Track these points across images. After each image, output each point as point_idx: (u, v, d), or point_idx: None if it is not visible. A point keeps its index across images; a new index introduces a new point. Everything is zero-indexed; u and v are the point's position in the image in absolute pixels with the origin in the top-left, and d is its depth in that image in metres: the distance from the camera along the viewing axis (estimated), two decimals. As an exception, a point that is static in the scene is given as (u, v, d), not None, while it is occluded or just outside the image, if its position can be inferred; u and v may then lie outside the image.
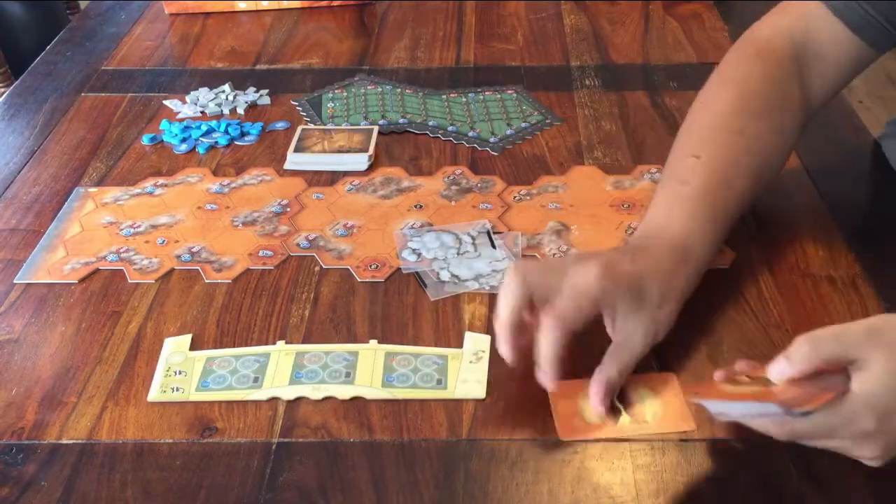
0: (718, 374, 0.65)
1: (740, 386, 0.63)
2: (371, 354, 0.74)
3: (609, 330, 0.70)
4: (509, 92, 1.13)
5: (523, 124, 1.06)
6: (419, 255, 0.85)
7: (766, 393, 0.60)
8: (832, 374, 0.58)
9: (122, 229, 0.90)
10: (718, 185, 0.77)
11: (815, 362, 0.58)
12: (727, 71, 0.87)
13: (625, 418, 0.68)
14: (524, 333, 0.69)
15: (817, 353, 0.58)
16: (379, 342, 0.76)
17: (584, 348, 0.68)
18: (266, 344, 0.76)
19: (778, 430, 0.61)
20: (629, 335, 0.69)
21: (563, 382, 0.70)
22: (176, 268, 0.85)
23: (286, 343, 0.76)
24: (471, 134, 1.04)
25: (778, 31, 0.87)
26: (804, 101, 0.85)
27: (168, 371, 0.74)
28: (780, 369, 0.60)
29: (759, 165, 0.80)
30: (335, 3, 1.36)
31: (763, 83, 0.84)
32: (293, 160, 1.00)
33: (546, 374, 0.67)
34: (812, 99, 0.85)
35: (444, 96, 1.12)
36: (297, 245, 0.87)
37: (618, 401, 0.69)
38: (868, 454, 0.60)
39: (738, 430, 0.67)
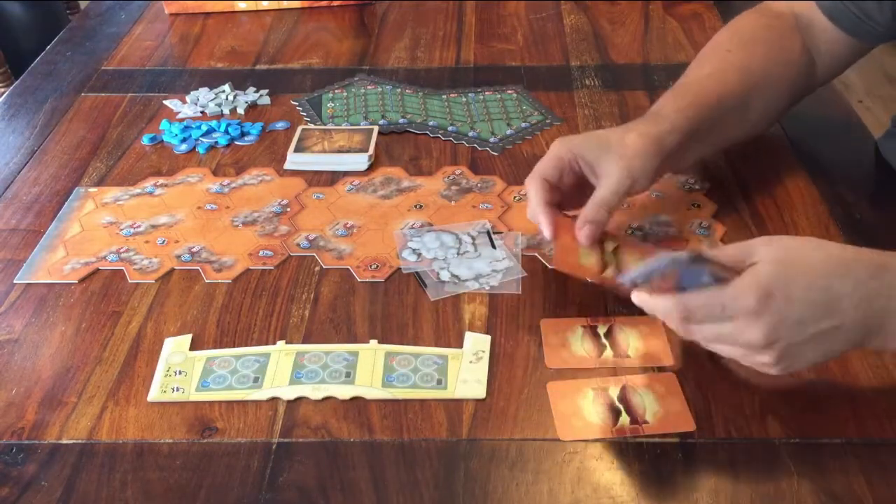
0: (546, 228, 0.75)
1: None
2: (371, 354, 0.74)
3: (592, 181, 0.78)
4: (509, 92, 1.13)
5: (523, 124, 1.06)
6: (419, 255, 0.85)
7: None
8: None
9: (122, 229, 0.90)
10: (697, 80, 0.85)
11: (721, 257, 0.65)
12: (728, 24, 0.93)
13: (624, 418, 0.68)
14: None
15: (723, 250, 0.66)
16: (379, 342, 0.76)
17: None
18: (266, 344, 0.76)
19: (674, 306, 0.64)
20: (604, 174, 0.76)
21: (561, 382, 0.70)
22: (176, 268, 0.85)
23: (286, 343, 0.76)
24: (471, 134, 1.04)
25: (778, 7, 0.92)
26: (807, 54, 0.88)
27: (168, 371, 0.74)
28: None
29: (747, 83, 0.85)
30: (335, 3, 1.36)
31: (761, 25, 0.90)
32: (293, 160, 1.00)
33: (542, 223, 0.76)
34: (816, 64, 0.89)
35: (444, 96, 1.12)
36: (298, 245, 0.87)
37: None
38: (754, 338, 0.62)
39: (738, 431, 0.67)
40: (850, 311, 0.62)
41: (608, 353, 0.73)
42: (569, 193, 0.79)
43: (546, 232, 0.76)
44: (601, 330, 0.75)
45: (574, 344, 0.74)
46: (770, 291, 0.61)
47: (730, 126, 0.86)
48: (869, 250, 0.65)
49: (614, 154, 0.77)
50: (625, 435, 0.67)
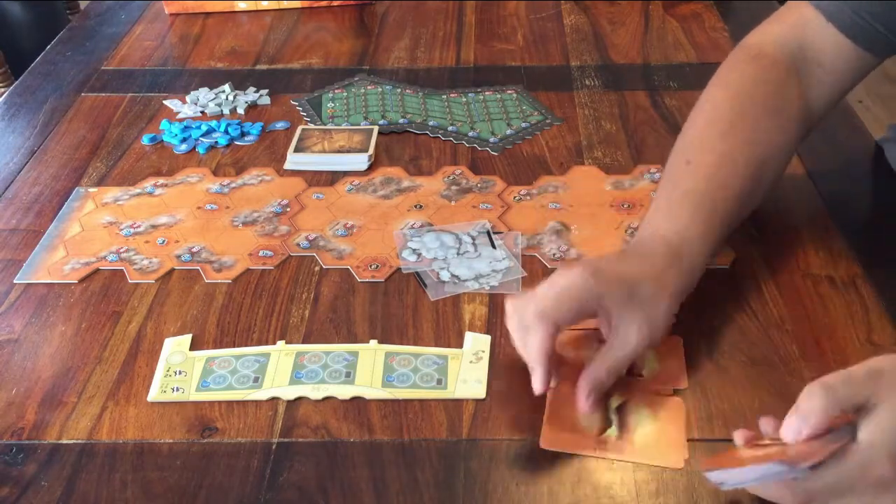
0: (739, 435, 0.61)
1: (757, 450, 0.59)
2: (371, 354, 0.74)
3: (604, 332, 0.69)
4: (509, 92, 1.13)
5: (523, 124, 1.06)
6: (419, 255, 0.85)
7: (773, 454, 0.57)
8: (836, 428, 0.56)
9: (122, 229, 0.90)
10: (709, 185, 0.76)
11: (829, 412, 0.55)
12: (721, 76, 0.85)
13: (612, 431, 0.67)
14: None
15: (831, 401, 0.55)
16: (379, 342, 0.76)
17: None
18: (266, 344, 0.76)
19: (791, 494, 0.57)
20: (621, 333, 0.67)
21: (560, 390, 0.69)
22: (176, 268, 0.85)
23: (286, 343, 0.76)
24: (471, 134, 1.04)
25: (772, 37, 0.85)
26: (803, 104, 0.83)
27: (168, 371, 0.74)
28: (793, 427, 0.57)
29: (756, 162, 0.79)
30: (335, 3, 1.36)
31: (757, 84, 0.83)
32: (293, 160, 1.00)
33: (535, 374, 0.66)
34: (813, 104, 0.84)
35: (444, 96, 1.12)
36: (297, 245, 0.87)
37: (614, 412, 0.68)
38: None
39: (737, 430, 0.67)
40: None
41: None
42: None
43: (538, 388, 0.66)
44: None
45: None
46: None
47: (746, 211, 0.80)
48: None
49: (640, 316, 0.67)
50: (605, 450, 0.65)
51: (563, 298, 0.66)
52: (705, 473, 0.61)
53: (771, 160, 0.80)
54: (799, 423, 0.56)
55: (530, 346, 0.66)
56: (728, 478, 0.59)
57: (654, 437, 0.66)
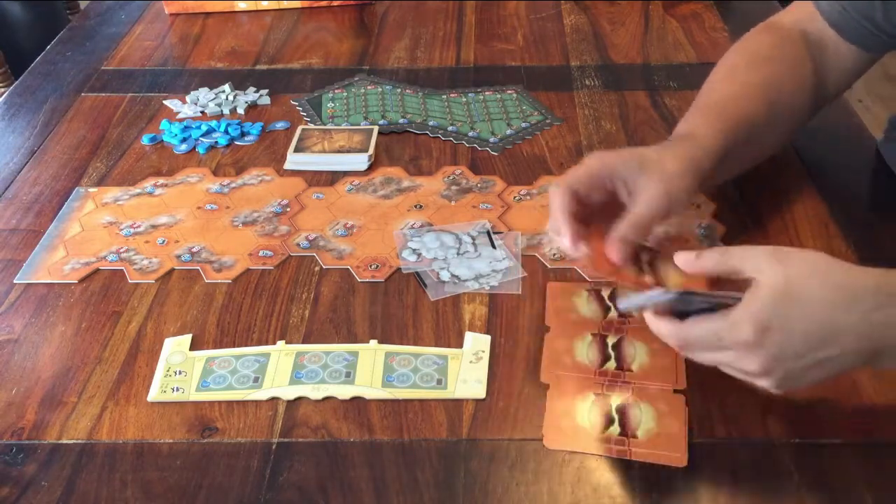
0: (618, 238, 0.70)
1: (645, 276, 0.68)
2: (371, 354, 0.74)
3: (626, 201, 0.73)
4: (509, 92, 1.13)
5: (523, 124, 1.06)
6: (419, 255, 0.85)
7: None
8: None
9: (122, 229, 0.90)
10: (725, 102, 0.82)
11: (719, 266, 0.63)
12: (738, 44, 0.91)
13: (615, 429, 0.67)
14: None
15: (724, 258, 0.64)
16: (379, 342, 0.76)
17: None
18: (266, 344, 0.76)
19: (673, 337, 0.64)
20: (640, 193, 0.72)
21: (561, 388, 0.70)
22: (176, 268, 0.85)
23: (286, 343, 0.76)
24: (471, 134, 1.04)
25: (787, 22, 0.91)
26: (816, 71, 0.87)
27: (168, 371, 0.74)
28: (686, 258, 0.65)
29: (771, 98, 0.83)
30: (335, 3, 1.36)
31: (773, 47, 0.88)
32: (293, 160, 1.00)
33: (563, 235, 0.71)
34: (826, 81, 0.88)
35: (444, 96, 1.12)
36: (297, 245, 0.87)
37: (616, 411, 0.68)
38: (751, 368, 0.62)
39: (738, 430, 0.67)
40: (853, 342, 0.61)
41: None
42: (594, 212, 0.74)
43: (566, 243, 0.71)
44: (610, 340, 0.74)
45: (579, 350, 0.73)
46: (767, 325, 0.60)
47: (755, 147, 0.84)
48: (876, 274, 0.62)
49: (653, 174, 0.72)
50: (610, 448, 0.66)
51: (577, 171, 0.74)
52: (618, 301, 0.68)
53: (787, 99, 0.85)
54: (691, 257, 0.65)
55: (553, 211, 0.72)
56: (629, 303, 0.67)
57: (656, 436, 0.66)
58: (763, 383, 0.63)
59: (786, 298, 0.60)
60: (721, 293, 0.63)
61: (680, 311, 0.64)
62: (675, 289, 0.65)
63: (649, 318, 0.65)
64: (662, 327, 0.64)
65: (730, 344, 0.61)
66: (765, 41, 0.89)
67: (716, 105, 0.83)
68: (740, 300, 0.61)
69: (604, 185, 0.74)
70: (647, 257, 0.71)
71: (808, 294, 0.60)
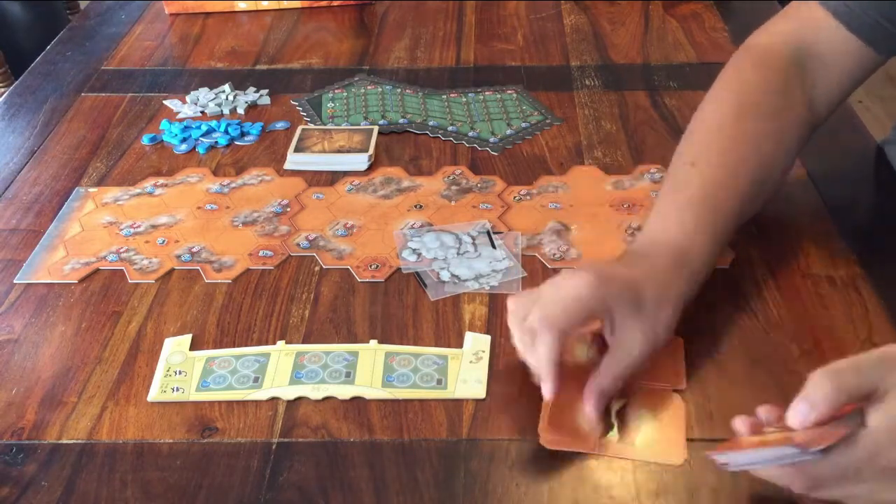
0: (739, 423, 0.60)
1: (763, 436, 0.59)
2: (371, 354, 0.74)
3: (608, 337, 0.69)
4: (509, 92, 1.13)
5: (523, 124, 1.06)
6: (419, 255, 0.85)
7: (781, 438, 0.56)
8: (846, 415, 0.55)
9: (122, 229, 0.90)
10: (715, 191, 0.76)
11: (838, 399, 0.55)
12: (725, 79, 0.85)
13: (613, 433, 0.67)
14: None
15: (839, 387, 0.55)
16: (379, 342, 0.76)
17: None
18: (266, 344, 0.76)
19: (798, 477, 0.57)
20: (626, 341, 0.67)
21: (559, 388, 0.69)
22: (176, 268, 0.85)
23: (286, 343, 0.76)
24: (471, 134, 1.04)
25: (778, 38, 0.86)
26: (807, 107, 0.83)
27: (168, 371, 0.74)
28: (801, 412, 0.56)
29: (759, 170, 0.79)
30: (335, 3, 1.36)
31: (762, 90, 0.83)
32: (293, 160, 1.00)
33: (545, 382, 0.65)
34: (816, 105, 0.84)
35: (444, 96, 1.12)
36: (297, 245, 0.87)
37: (615, 416, 0.68)
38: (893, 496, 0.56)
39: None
40: None
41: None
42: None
43: (548, 395, 0.66)
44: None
45: (578, 351, 0.71)
46: None
47: (748, 215, 0.81)
48: None
49: (645, 323, 0.67)
50: (606, 449, 0.66)
51: (571, 306, 0.65)
52: (710, 455, 0.61)
53: (774, 165, 0.81)
54: (807, 409, 0.55)
55: (539, 355, 0.65)
56: (733, 460, 0.59)
57: (655, 436, 0.66)
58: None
59: None
60: (841, 429, 0.55)
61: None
62: (778, 445, 0.57)
63: (762, 468, 0.59)
64: (780, 474, 0.58)
65: (872, 473, 0.55)
66: (753, 81, 0.84)
67: (708, 200, 0.76)
68: (860, 422, 0.55)
69: (594, 319, 0.68)
70: (617, 406, 0.69)
71: None
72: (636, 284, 0.68)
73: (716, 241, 0.74)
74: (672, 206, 0.76)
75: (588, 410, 0.66)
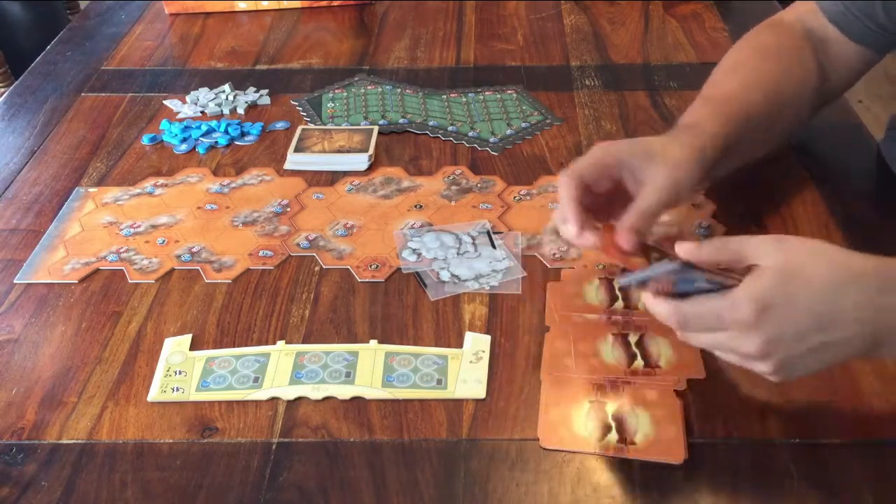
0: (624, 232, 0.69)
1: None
2: (371, 354, 0.74)
3: (632, 190, 0.73)
4: (509, 92, 1.13)
5: (523, 124, 1.06)
6: (419, 255, 0.85)
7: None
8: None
9: (122, 229, 0.90)
10: (730, 97, 0.82)
11: (720, 254, 0.63)
12: (742, 40, 0.91)
13: (613, 436, 0.67)
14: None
15: (726, 244, 0.63)
16: (379, 342, 0.76)
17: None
18: (266, 344, 0.76)
19: (673, 314, 0.63)
20: (648, 181, 0.72)
21: (557, 389, 0.70)
22: (176, 268, 0.85)
23: (286, 343, 0.76)
24: (471, 134, 1.04)
25: (789, 15, 0.92)
26: (819, 74, 0.88)
27: (168, 371, 0.74)
28: (688, 248, 0.64)
29: (774, 93, 0.84)
30: (335, 3, 1.36)
31: (776, 44, 0.89)
32: (293, 160, 1.00)
33: (571, 222, 0.70)
34: (828, 75, 0.89)
35: (444, 96, 1.12)
36: (297, 245, 0.87)
37: (612, 419, 0.68)
38: (749, 349, 0.61)
39: (738, 430, 0.67)
40: (855, 326, 0.60)
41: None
42: (600, 201, 0.74)
43: (572, 231, 0.71)
44: (632, 338, 0.74)
45: (604, 352, 0.73)
46: (768, 304, 0.59)
47: (757, 140, 0.85)
48: (879, 260, 0.62)
49: (660, 163, 0.73)
50: (608, 452, 0.66)
51: (585, 159, 0.74)
52: (617, 279, 0.68)
53: (788, 97, 0.86)
54: (692, 247, 0.64)
55: (561, 200, 0.71)
56: (629, 278, 0.67)
57: (655, 441, 0.66)
58: (760, 367, 0.62)
59: (788, 278, 0.60)
60: (722, 272, 0.63)
61: (681, 292, 0.63)
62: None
63: (648, 299, 0.65)
64: (661, 307, 0.64)
65: (729, 323, 0.61)
66: (769, 38, 0.90)
67: (720, 97, 0.83)
68: (741, 282, 0.61)
69: (610, 174, 0.74)
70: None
71: (810, 275, 0.60)
72: (645, 140, 0.76)
73: (724, 132, 0.79)
74: (687, 111, 0.83)
75: (623, 243, 0.70)
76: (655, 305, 0.65)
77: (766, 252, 0.61)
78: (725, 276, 0.63)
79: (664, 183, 0.72)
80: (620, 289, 0.70)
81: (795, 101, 0.87)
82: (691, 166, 0.74)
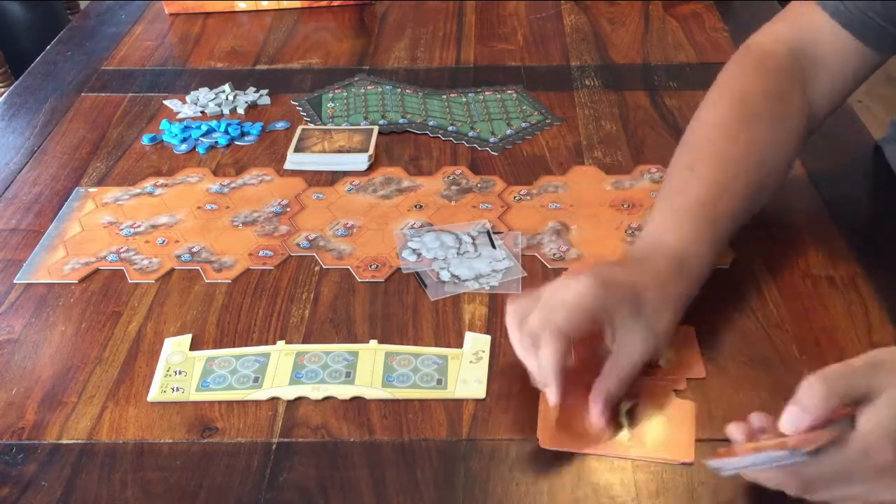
0: (734, 429, 0.61)
1: (757, 443, 0.59)
2: (371, 354, 0.74)
3: (609, 342, 0.68)
4: (509, 92, 1.13)
5: (523, 124, 1.06)
6: (419, 255, 0.85)
7: (775, 444, 0.57)
8: (835, 421, 0.56)
9: (122, 229, 0.90)
10: (713, 198, 0.76)
11: (829, 403, 0.55)
12: (725, 82, 0.85)
13: (624, 435, 0.67)
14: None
15: (831, 391, 0.55)
16: (379, 342, 0.76)
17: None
18: (266, 344, 0.76)
19: (790, 479, 0.57)
20: (628, 345, 0.67)
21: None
22: (176, 268, 0.85)
23: (286, 343, 0.76)
24: (471, 134, 1.04)
25: (777, 39, 0.85)
26: (806, 109, 0.83)
27: (168, 371, 0.74)
28: (794, 417, 0.56)
29: (757, 173, 0.79)
30: (335, 3, 1.36)
31: (761, 93, 0.83)
32: (293, 160, 1.00)
33: (550, 388, 0.65)
34: (816, 107, 0.84)
35: (444, 96, 1.12)
36: (297, 245, 0.87)
37: (625, 417, 0.68)
38: (889, 496, 0.56)
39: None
40: None
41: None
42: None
43: (553, 401, 0.65)
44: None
45: (603, 350, 0.69)
46: None
47: (747, 217, 0.80)
48: None
49: (646, 326, 0.67)
50: (613, 452, 0.65)
51: (575, 312, 0.66)
52: (705, 462, 0.61)
53: (773, 168, 0.81)
54: (799, 414, 0.56)
55: (544, 362, 0.65)
56: (727, 464, 0.60)
57: (665, 436, 0.66)
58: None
59: None
60: (832, 433, 0.55)
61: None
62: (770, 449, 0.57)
63: (752, 471, 0.60)
64: (774, 476, 0.58)
65: (863, 474, 0.55)
66: (754, 84, 0.84)
67: (706, 205, 0.76)
68: (851, 425, 0.55)
69: (594, 321, 0.67)
70: (626, 407, 0.69)
71: None
72: (636, 289, 0.68)
73: (714, 246, 0.75)
74: (670, 212, 0.76)
75: (595, 415, 0.66)
76: (766, 476, 0.59)
77: (883, 382, 0.55)
78: (835, 430, 0.55)
79: (645, 349, 0.68)
80: (717, 470, 0.62)
81: (781, 165, 0.82)
82: (676, 320, 0.70)
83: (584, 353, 0.69)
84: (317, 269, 0.84)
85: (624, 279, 0.68)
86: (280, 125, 1.08)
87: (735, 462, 0.59)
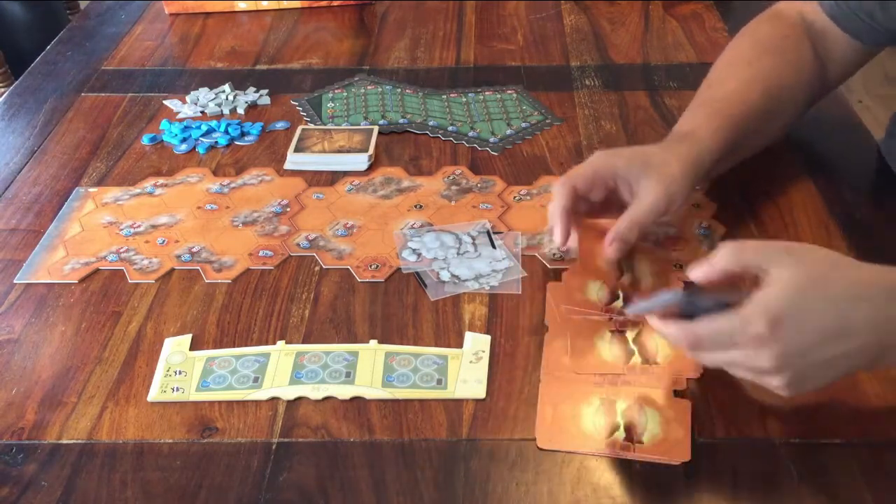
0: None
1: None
2: (371, 354, 0.74)
3: (627, 200, 0.77)
4: (509, 92, 1.13)
5: (523, 124, 1.06)
6: (419, 255, 0.85)
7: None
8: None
9: (122, 229, 0.90)
10: (728, 99, 0.84)
11: (734, 265, 0.62)
12: (743, 32, 0.94)
13: (620, 433, 0.67)
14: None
15: (738, 256, 0.62)
16: (379, 342, 0.76)
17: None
18: (266, 344, 0.76)
19: (683, 335, 0.63)
20: (640, 191, 0.76)
21: (556, 388, 0.70)
22: (176, 268, 0.85)
23: (286, 343, 0.76)
24: (471, 134, 1.04)
25: (790, 7, 0.93)
26: (819, 64, 0.90)
27: (168, 371, 0.74)
28: (701, 270, 0.64)
29: (773, 89, 0.86)
30: (335, 3, 1.36)
31: (777, 35, 0.91)
32: (293, 160, 1.00)
33: (556, 229, 0.76)
34: (828, 66, 0.90)
35: (444, 96, 1.12)
36: (297, 245, 0.87)
37: (621, 416, 0.68)
38: (763, 364, 0.60)
39: (738, 430, 0.67)
40: (865, 336, 0.60)
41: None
42: (594, 206, 0.79)
43: (557, 240, 0.77)
44: (630, 335, 0.74)
45: (602, 348, 0.73)
46: (780, 319, 0.59)
47: (754, 140, 0.87)
48: (887, 269, 0.62)
49: (655, 176, 0.76)
50: (615, 451, 0.66)
51: (581, 167, 0.78)
52: (626, 308, 0.71)
53: (788, 92, 0.88)
54: (706, 267, 0.63)
55: (552, 206, 0.76)
56: (637, 306, 0.68)
57: (662, 441, 0.66)
58: (774, 382, 0.62)
59: (800, 293, 0.60)
60: (727, 291, 0.63)
61: (687, 313, 0.63)
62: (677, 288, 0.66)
63: (656, 322, 0.65)
64: (671, 329, 0.64)
65: (742, 340, 0.60)
66: (768, 30, 0.92)
67: (718, 102, 0.85)
68: (748, 297, 0.60)
69: (605, 184, 0.78)
70: (633, 333, 0.74)
71: (823, 288, 0.60)
72: (643, 151, 0.80)
73: (722, 136, 0.81)
74: (685, 113, 0.86)
75: (609, 252, 0.76)
76: (665, 328, 0.64)
77: (778, 266, 0.61)
78: (730, 293, 0.62)
79: (657, 197, 0.76)
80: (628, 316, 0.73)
81: (794, 95, 0.89)
82: (686, 179, 0.77)
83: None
84: (317, 269, 0.84)
85: (631, 147, 0.82)
86: (280, 125, 1.08)
87: (642, 305, 0.67)
